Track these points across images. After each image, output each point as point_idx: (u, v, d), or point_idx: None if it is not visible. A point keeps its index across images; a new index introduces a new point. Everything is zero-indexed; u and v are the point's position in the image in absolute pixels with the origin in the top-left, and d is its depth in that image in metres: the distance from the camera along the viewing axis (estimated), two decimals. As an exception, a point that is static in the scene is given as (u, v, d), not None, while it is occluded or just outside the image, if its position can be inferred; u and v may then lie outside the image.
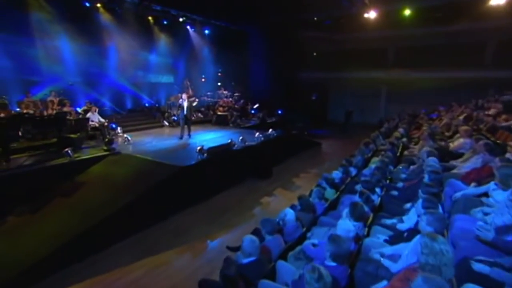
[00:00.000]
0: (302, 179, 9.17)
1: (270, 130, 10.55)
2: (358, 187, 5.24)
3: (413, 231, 2.86)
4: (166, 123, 12.95)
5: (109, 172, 7.29)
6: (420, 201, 2.94)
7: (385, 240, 3.05)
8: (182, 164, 6.96)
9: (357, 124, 19.60)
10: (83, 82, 12.99)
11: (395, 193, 4.45)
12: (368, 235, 3.22)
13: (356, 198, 4.13)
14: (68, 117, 9.73)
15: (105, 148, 8.28)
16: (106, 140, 8.35)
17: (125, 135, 9.45)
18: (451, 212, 3.30)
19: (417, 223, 2.88)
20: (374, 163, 7.11)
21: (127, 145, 9.25)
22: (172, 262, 5.09)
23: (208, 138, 10.41)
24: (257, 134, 9.69)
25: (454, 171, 4.72)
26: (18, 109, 9.34)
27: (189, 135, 10.00)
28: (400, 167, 5.83)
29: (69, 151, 7.41)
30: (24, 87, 10.87)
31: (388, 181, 5.13)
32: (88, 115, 9.78)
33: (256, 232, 3.68)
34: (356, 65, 19.29)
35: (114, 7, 13.17)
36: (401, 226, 3.28)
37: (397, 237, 3.05)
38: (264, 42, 17.82)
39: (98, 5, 12.70)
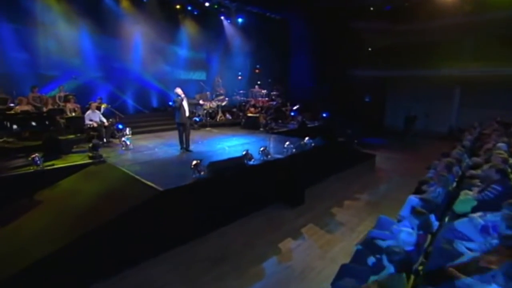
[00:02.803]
0: (347, 210, 6.50)
1: (307, 138, 8.01)
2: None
3: None
4: (187, 125, 11.13)
5: (79, 189, 5.47)
6: None
7: None
8: (167, 186, 4.84)
9: (420, 132, 16.07)
10: (103, 77, 11.86)
11: None
12: None
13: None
14: (67, 115, 8.44)
15: (90, 155, 6.56)
16: (91, 145, 6.61)
17: (123, 139, 7.69)
18: None
19: None
20: (465, 202, 4.30)
21: (125, 151, 7.50)
22: None
23: (227, 145, 8.32)
24: (287, 143, 7.26)
25: None
26: (12, 105, 8.22)
27: (187, 148, 7.57)
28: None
29: (37, 158, 5.77)
30: (41, 82, 9.97)
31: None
32: (87, 113, 8.26)
33: None
34: (422, 61, 15.85)
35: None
36: None
37: None
38: (308, 32, 15.32)
39: (120, -8, 11.41)
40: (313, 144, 7.98)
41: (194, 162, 5.26)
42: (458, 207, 4.23)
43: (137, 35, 12.37)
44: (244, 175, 5.98)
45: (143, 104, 13.11)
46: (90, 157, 6.50)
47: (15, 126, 7.36)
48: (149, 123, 10.89)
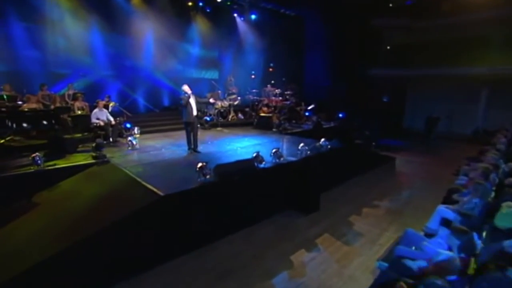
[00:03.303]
0: (366, 219, 5.95)
1: (322, 140, 7.52)
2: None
3: None
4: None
5: (78, 190, 5.18)
6: None
7: None
8: (169, 190, 4.45)
9: (442, 135, 15.17)
10: (113, 75, 11.69)
11: None
12: None
13: None
14: (74, 113, 8.24)
15: (93, 154, 6.29)
16: (94, 145, 6.32)
17: (129, 138, 7.40)
18: None
19: None
20: (509, 215, 3.71)
21: (131, 151, 7.21)
22: None
23: (238, 146, 7.90)
24: (301, 145, 6.77)
25: None
26: (20, 102, 8.07)
27: (195, 149, 7.19)
28: None
29: (38, 158, 5.52)
30: (52, 80, 9.86)
31: None
32: (94, 111, 8.02)
33: None
34: (446, 59, 14.95)
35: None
36: None
37: None
38: (324, 29, 14.75)
39: (131, -10, 11.21)
40: (329, 146, 7.48)
41: (200, 164, 4.86)
42: (501, 221, 3.64)
43: (148, 32, 12.16)
44: (254, 179, 5.53)
45: (154, 102, 12.86)
46: (94, 157, 6.24)
47: (24, 124, 7.19)
48: (158, 122, 10.63)
